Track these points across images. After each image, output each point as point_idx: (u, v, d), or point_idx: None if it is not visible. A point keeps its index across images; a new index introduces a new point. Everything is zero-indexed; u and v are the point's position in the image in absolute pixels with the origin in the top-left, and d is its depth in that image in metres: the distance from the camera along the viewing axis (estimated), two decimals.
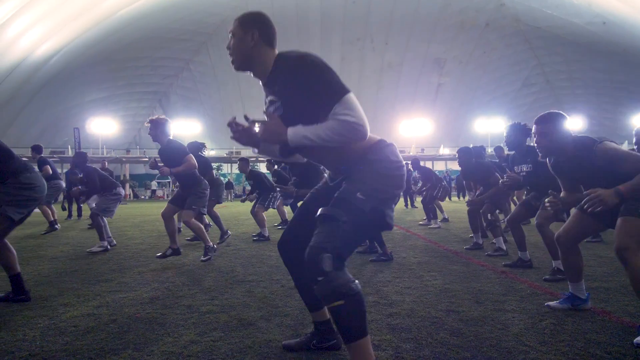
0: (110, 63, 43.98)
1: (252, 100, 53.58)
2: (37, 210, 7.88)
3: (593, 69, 45.46)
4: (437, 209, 9.61)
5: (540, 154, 2.76)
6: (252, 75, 1.87)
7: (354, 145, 1.73)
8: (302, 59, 1.65)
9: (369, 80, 53.57)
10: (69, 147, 39.79)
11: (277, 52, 1.80)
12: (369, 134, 1.64)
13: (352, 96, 1.60)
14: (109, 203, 5.90)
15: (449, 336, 2.39)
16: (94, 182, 5.88)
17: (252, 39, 1.77)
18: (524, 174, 4.33)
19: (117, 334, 2.48)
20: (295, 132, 1.64)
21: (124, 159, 40.82)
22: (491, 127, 46.41)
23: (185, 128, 45.36)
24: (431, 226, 8.68)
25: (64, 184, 7.85)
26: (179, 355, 2.16)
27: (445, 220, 9.90)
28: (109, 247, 5.70)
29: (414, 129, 47.27)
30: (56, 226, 7.86)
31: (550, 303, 2.99)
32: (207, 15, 45.09)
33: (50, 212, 7.81)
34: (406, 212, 13.60)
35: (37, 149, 8.25)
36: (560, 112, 2.68)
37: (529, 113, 53.01)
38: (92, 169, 6.18)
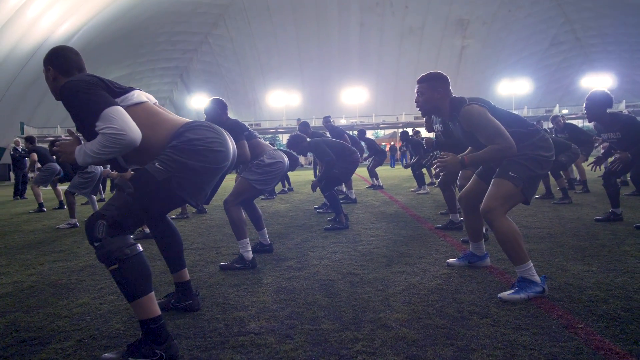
0: (129, 40, 44.46)
1: (272, 71, 53.47)
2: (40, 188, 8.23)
3: (625, 23, 43.01)
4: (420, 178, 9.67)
5: (421, 112, 2.72)
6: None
7: (155, 140, 1.85)
8: (61, 92, 1.79)
9: (389, 47, 52.37)
10: None
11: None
12: (136, 137, 1.71)
13: (111, 110, 1.71)
14: (81, 180, 6.13)
15: (322, 297, 2.47)
16: (65, 167, 6.17)
17: (50, 74, 1.97)
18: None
19: (23, 299, 2.68)
20: (79, 151, 1.76)
21: None
22: (515, 89, 44.84)
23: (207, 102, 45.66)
24: (420, 192, 8.75)
25: (58, 167, 8.04)
26: (58, 316, 2.34)
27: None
28: (77, 224, 5.91)
29: None
30: (44, 208, 8.04)
31: (450, 260, 3.04)
32: None
33: (40, 194, 8.08)
34: (406, 179, 13.51)
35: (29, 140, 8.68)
36: (440, 72, 2.63)
37: (557, 73, 50.90)
38: None
